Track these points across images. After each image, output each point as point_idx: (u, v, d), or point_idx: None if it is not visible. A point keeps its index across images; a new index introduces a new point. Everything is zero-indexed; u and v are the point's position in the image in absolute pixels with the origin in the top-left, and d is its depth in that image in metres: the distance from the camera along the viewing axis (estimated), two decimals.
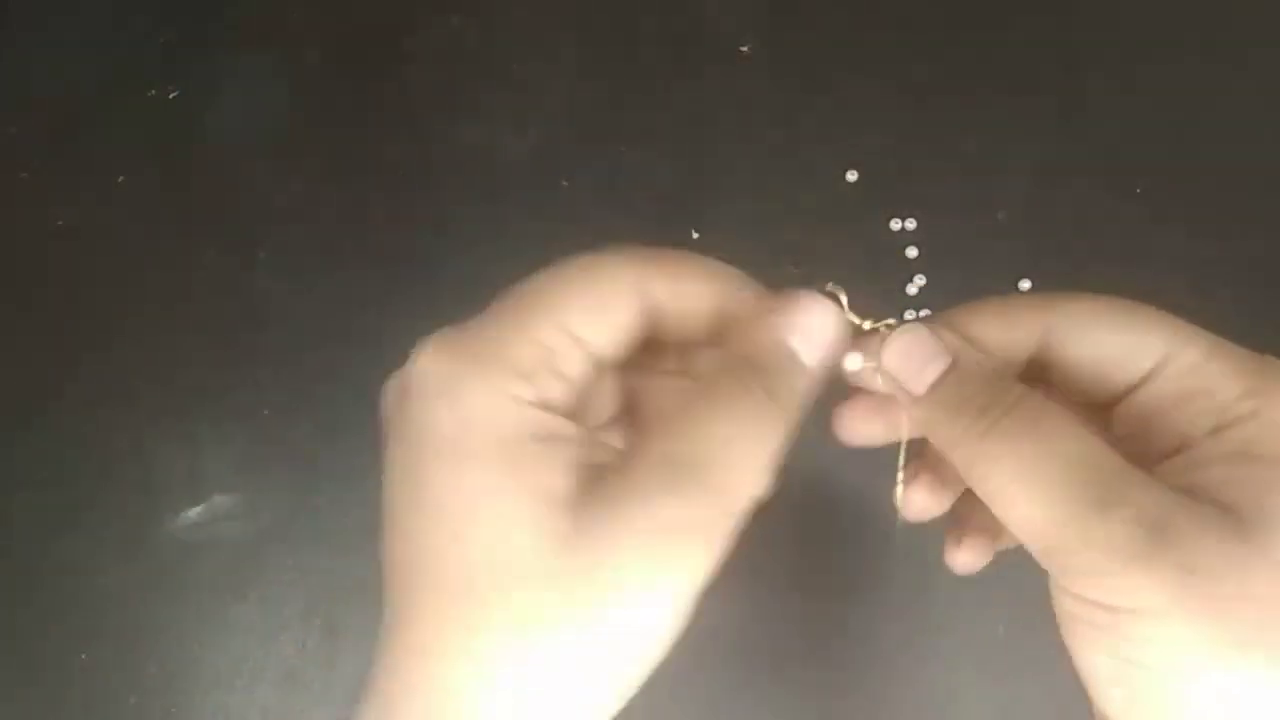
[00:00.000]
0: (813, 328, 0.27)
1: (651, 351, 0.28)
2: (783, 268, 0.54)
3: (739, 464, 0.24)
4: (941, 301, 0.53)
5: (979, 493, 0.25)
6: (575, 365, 0.26)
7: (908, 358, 0.27)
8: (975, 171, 0.55)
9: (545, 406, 0.25)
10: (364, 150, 0.57)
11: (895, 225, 0.54)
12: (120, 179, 0.57)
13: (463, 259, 0.55)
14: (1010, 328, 0.28)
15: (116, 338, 0.54)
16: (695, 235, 0.55)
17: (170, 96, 0.59)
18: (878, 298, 0.53)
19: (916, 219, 0.54)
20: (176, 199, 0.57)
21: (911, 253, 0.54)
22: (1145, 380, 0.27)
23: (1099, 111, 0.56)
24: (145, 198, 0.57)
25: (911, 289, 0.53)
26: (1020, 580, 0.50)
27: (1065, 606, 0.25)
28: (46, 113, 0.59)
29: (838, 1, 0.58)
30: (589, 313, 0.26)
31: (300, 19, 0.60)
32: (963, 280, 0.54)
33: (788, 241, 0.54)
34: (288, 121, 0.58)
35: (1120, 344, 0.27)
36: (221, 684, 0.49)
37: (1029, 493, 0.24)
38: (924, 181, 0.55)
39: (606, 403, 0.29)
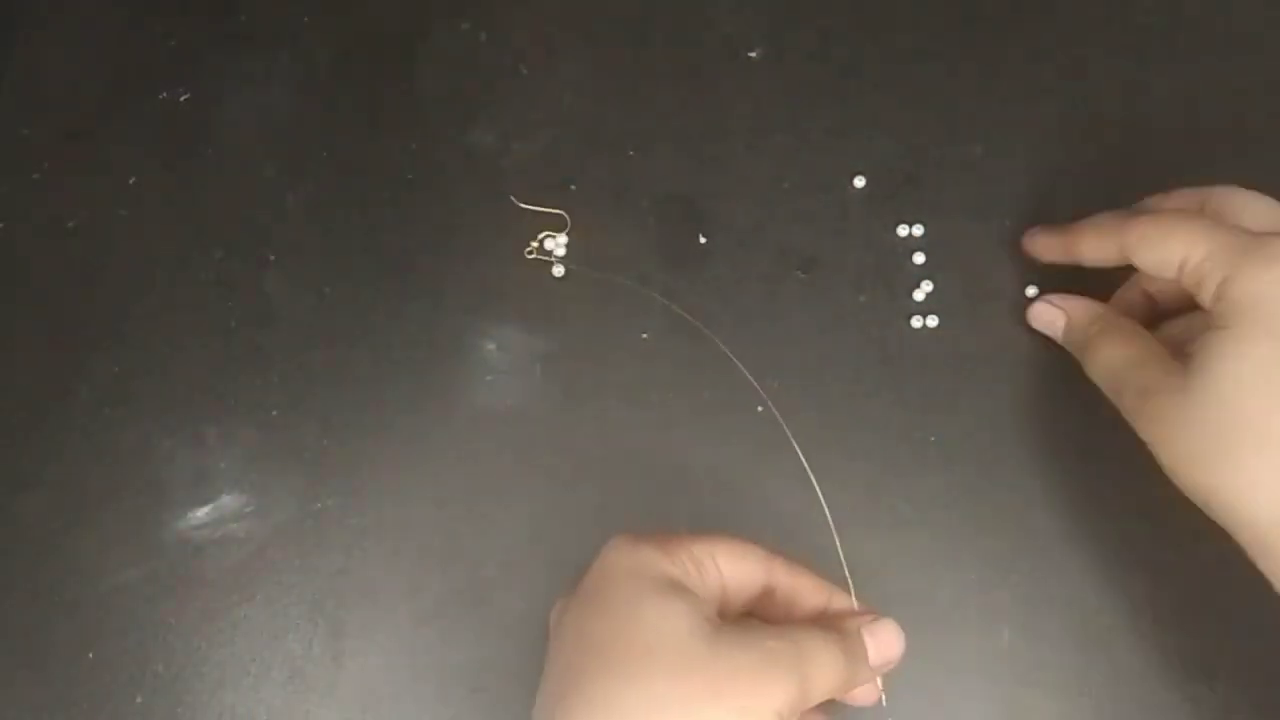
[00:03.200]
0: (888, 648, 0.39)
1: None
2: (789, 273, 0.54)
3: (820, 663, 0.34)
4: (948, 308, 0.53)
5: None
6: (712, 580, 0.36)
7: (1046, 316, 0.50)
8: (982, 178, 0.55)
9: (696, 580, 0.36)
10: (374, 153, 0.57)
11: (902, 231, 0.54)
12: (131, 180, 0.57)
13: (471, 261, 0.55)
14: (1102, 244, 0.45)
15: (125, 338, 0.55)
16: (703, 240, 0.55)
17: (181, 99, 0.59)
18: (886, 303, 0.53)
19: (923, 225, 0.55)
20: (187, 201, 0.57)
21: (919, 259, 0.54)
22: (1178, 274, 0.41)
23: (1106, 118, 0.56)
24: (156, 199, 0.57)
25: (919, 294, 0.53)
26: (1025, 587, 0.50)
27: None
28: (58, 114, 0.59)
29: (846, 7, 0.59)
30: (730, 557, 0.37)
31: (311, 22, 0.60)
32: (970, 286, 0.54)
33: (795, 247, 0.54)
34: (298, 124, 0.58)
35: (1157, 255, 0.41)
36: (228, 683, 0.49)
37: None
38: (931, 187, 0.55)
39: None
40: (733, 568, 0.37)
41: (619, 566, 0.35)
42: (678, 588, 0.34)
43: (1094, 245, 0.45)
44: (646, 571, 0.34)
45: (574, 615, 0.35)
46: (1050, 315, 0.49)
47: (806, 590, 0.40)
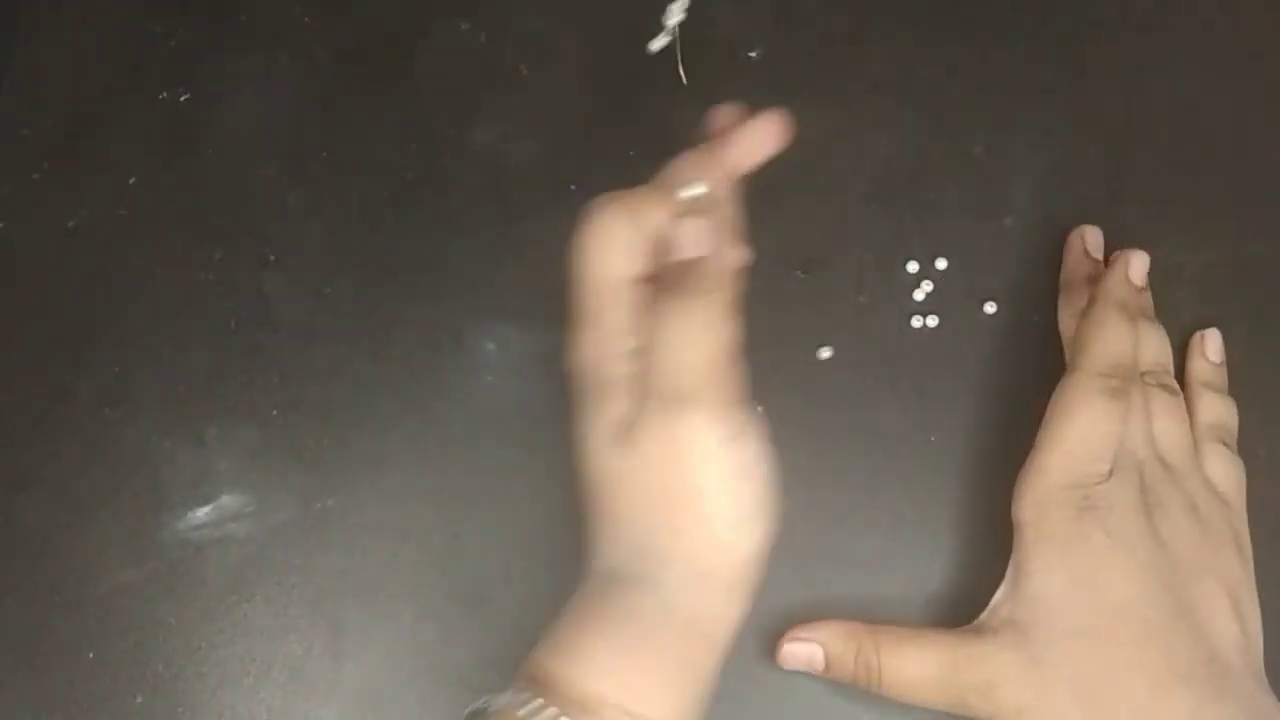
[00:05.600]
0: (688, 235, 0.38)
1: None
2: (790, 274, 0.54)
3: (685, 355, 0.35)
4: (948, 308, 0.53)
5: None
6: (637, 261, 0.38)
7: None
8: (982, 177, 0.55)
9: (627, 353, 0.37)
10: (373, 153, 0.57)
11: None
12: (131, 180, 0.57)
13: (471, 261, 0.55)
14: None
15: (125, 338, 0.55)
16: None
17: (181, 99, 0.59)
18: (885, 303, 0.53)
19: (924, 224, 0.55)
20: (187, 200, 0.57)
21: (919, 259, 0.54)
22: None
23: (1107, 117, 0.56)
24: (156, 199, 0.57)
25: (919, 294, 0.53)
26: None
27: None
28: (58, 114, 0.59)
29: (846, 8, 0.59)
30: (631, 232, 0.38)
31: (311, 22, 0.60)
32: (970, 286, 0.54)
33: (795, 247, 0.54)
34: (298, 124, 0.58)
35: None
36: (228, 683, 0.49)
37: None
38: (931, 187, 0.55)
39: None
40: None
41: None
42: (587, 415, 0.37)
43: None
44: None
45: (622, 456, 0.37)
46: (805, 654, 0.45)
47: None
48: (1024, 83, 0.57)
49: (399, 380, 0.53)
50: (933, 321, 0.53)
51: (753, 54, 0.58)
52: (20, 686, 0.50)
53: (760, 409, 0.52)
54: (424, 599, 0.50)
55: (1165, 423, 0.45)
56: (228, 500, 0.52)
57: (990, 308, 0.53)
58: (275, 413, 0.53)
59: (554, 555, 0.50)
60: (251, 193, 0.57)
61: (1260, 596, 0.47)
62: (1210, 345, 0.50)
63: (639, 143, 0.57)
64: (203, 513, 0.52)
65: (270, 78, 0.59)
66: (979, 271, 0.54)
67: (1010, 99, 0.56)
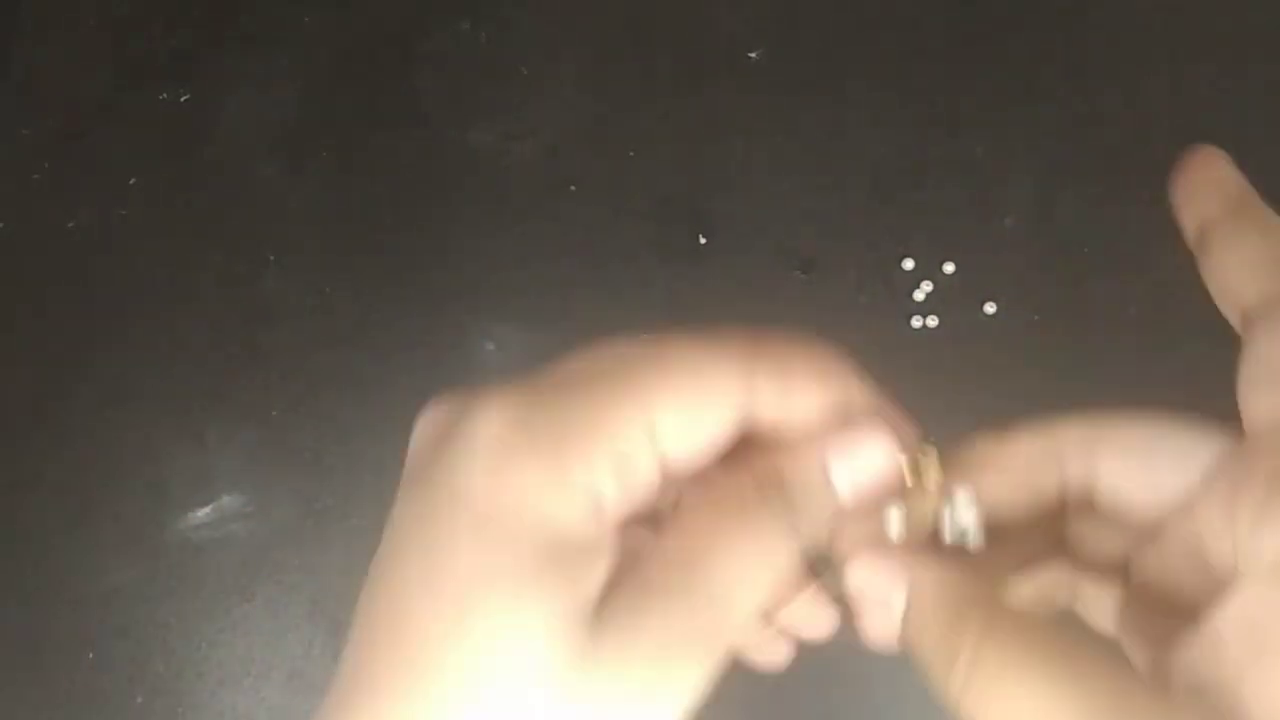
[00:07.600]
0: (861, 460, 0.25)
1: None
2: (790, 273, 0.54)
3: (745, 584, 0.23)
4: (948, 308, 0.53)
5: None
6: (646, 475, 0.22)
7: (869, 592, 0.24)
8: (983, 178, 0.55)
9: (598, 514, 0.22)
10: (373, 153, 0.57)
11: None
12: (131, 181, 0.57)
13: (471, 261, 0.55)
14: (1040, 471, 0.25)
15: (126, 338, 0.55)
16: (703, 240, 0.55)
17: (181, 99, 0.59)
18: (885, 303, 0.53)
19: (924, 224, 0.54)
20: (187, 201, 0.57)
21: (918, 259, 0.54)
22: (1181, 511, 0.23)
23: (1106, 118, 0.56)
24: (156, 199, 0.57)
25: (919, 294, 0.53)
26: None
27: None
28: (59, 115, 0.59)
29: (846, 8, 0.59)
30: (682, 421, 0.23)
31: (311, 23, 0.60)
32: (970, 286, 0.54)
33: (795, 247, 0.54)
34: (298, 125, 0.58)
35: (1168, 464, 0.23)
36: (228, 683, 0.49)
37: None
38: (932, 187, 0.55)
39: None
40: (682, 441, 0.23)
41: (470, 506, 0.21)
42: (544, 575, 0.21)
43: (1020, 479, 0.26)
44: (516, 534, 0.21)
45: (409, 522, 0.23)
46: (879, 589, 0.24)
47: (803, 407, 0.25)
48: (1024, 83, 0.57)
49: (399, 380, 0.53)
50: (933, 321, 0.53)
51: (753, 54, 0.58)
52: (20, 686, 0.50)
53: None
54: None
55: None
56: (228, 500, 0.52)
57: (990, 308, 0.53)
58: (275, 413, 0.53)
59: None
60: (252, 193, 0.57)
61: None
62: None
63: (639, 143, 0.57)
64: (203, 513, 0.52)
65: (270, 78, 0.59)
66: (979, 271, 0.54)
67: (1010, 99, 0.56)
